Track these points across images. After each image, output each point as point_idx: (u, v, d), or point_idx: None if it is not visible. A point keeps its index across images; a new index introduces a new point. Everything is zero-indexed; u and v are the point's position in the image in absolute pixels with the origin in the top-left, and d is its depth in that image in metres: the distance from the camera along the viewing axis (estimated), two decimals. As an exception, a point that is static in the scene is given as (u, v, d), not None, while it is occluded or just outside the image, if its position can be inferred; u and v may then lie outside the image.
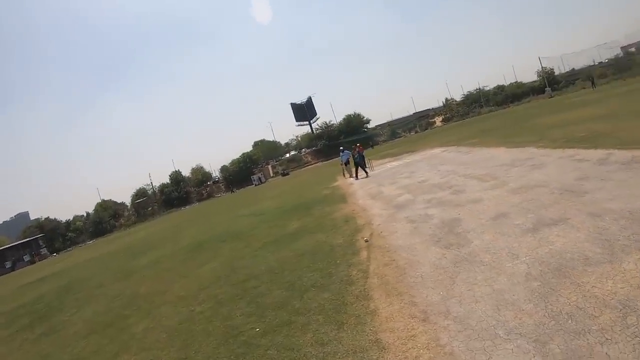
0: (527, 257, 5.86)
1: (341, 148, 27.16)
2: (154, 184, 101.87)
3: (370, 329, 5.20)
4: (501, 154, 16.94)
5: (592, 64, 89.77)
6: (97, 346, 8.23)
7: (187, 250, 16.83)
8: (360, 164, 24.79)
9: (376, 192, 16.77)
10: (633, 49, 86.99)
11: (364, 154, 29.35)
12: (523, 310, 4.54)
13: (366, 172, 24.62)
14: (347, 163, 26.12)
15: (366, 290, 6.48)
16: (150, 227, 53.96)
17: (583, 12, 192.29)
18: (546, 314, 4.33)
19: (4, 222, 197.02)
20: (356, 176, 24.21)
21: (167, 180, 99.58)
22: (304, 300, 6.81)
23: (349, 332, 5.30)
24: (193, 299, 9.14)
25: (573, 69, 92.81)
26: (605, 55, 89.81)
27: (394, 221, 10.63)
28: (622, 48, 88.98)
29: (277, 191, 37.55)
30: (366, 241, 9.37)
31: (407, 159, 28.42)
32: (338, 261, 8.42)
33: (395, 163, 27.93)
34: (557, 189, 9.00)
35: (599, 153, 11.42)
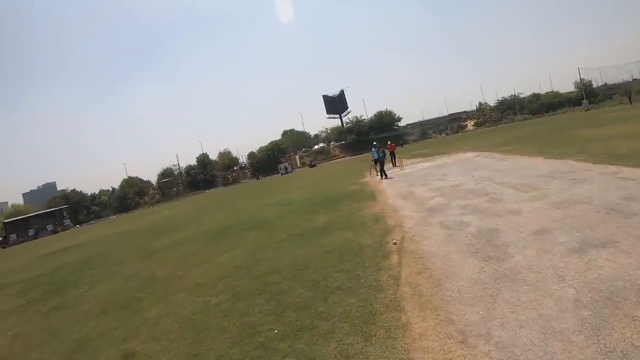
0: (574, 281, 5.40)
1: (374, 143, 26.28)
2: (180, 165, 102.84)
3: (401, 346, 4.79)
4: (539, 164, 16.30)
5: (630, 79, 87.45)
6: (106, 328, 8.03)
7: (210, 234, 16.66)
8: (382, 162, 24.09)
9: (407, 192, 16.30)
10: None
11: (395, 151, 28.89)
12: (573, 342, 4.10)
13: (385, 174, 23.70)
14: (377, 160, 25.25)
15: (397, 299, 6.06)
16: (174, 207, 54.29)
17: (628, 24, 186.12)
18: (599, 350, 3.89)
19: (30, 190, 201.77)
20: (384, 175, 23.54)
21: (194, 162, 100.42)
22: (329, 304, 6.42)
23: (377, 346, 4.89)
24: (211, 288, 8.86)
25: (606, 83, 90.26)
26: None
27: (426, 225, 10.16)
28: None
29: (304, 182, 37.31)
30: (395, 244, 8.95)
31: (439, 160, 27.75)
32: (367, 263, 8.00)
33: (426, 164, 27.30)
34: (602, 207, 8.48)
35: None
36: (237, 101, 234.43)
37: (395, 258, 8.01)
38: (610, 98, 73.59)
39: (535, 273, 5.92)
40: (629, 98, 54.74)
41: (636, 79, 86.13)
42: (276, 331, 5.88)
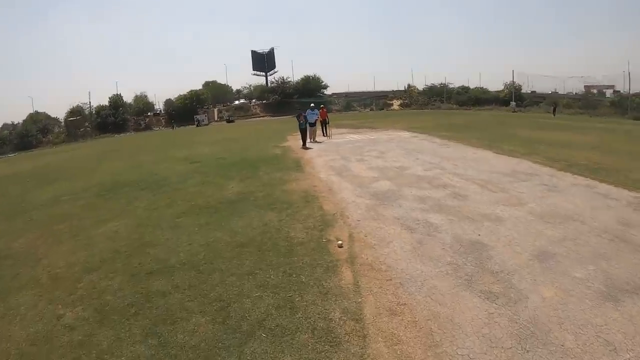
0: (631, 354, 3.61)
1: (312, 105, 23.13)
2: (92, 104, 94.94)
3: None
4: (489, 157, 14.58)
5: (555, 91, 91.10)
6: None
7: (99, 190, 13.41)
8: (304, 130, 21.14)
9: (341, 166, 13.83)
10: (595, 91, 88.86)
11: (327, 119, 25.98)
12: None
13: (304, 142, 20.98)
14: (313, 124, 22.39)
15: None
16: (77, 149, 47.81)
17: (572, 40, 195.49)
18: None
19: None
20: (304, 143, 20.84)
21: (106, 102, 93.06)
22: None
23: None
24: (69, 289, 5.87)
25: (534, 91, 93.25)
26: (569, 87, 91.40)
27: (380, 220, 7.69)
28: (585, 86, 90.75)
29: (220, 137, 33.58)
30: (341, 246, 6.43)
31: (370, 135, 25.44)
32: (303, 278, 5.41)
33: (356, 136, 24.92)
34: (601, 231, 6.79)
35: (625, 194, 9.32)
36: (161, 44, 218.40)
37: (347, 274, 5.47)
38: (538, 105, 75.59)
39: (572, 334, 3.90)
40: (554, 109, 55.93)
41: (557, 92, 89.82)
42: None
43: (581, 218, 7.41)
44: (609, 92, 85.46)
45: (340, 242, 6.56)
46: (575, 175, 11.24)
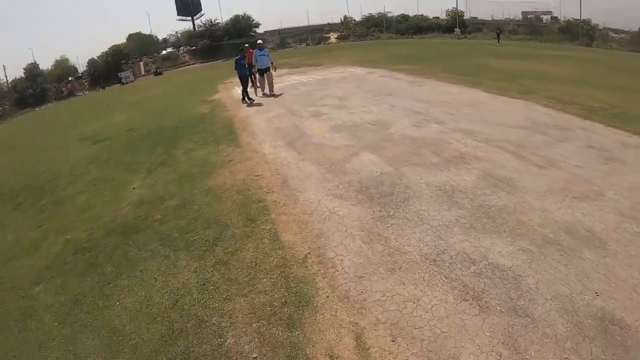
0: None
1: (259, 42, 17.46)
2: (7, 79, 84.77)
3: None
4: (487, 100, 11.40)
5: (493, 17, 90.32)
6: None
7: None
8: (245, 78, 15.46)
9: (292, 128, 10.01)
10: (532, 17, 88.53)
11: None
12: None
13: (247, 96, 15.44)
14: (267, 70, 15.89)
15: None
16: None
17: None
18: None
19: None
20: (244, 98, 15.35)
21: (22, 74, 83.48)
22: None
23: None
24: None
25: (475, 17, 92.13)
26: (507, 13, 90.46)
27: (400, 271, 3.94)
28: (522, 12, 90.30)
29: (142, 96, 28.51)
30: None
31: (316, 74, 21.21)
32: None
33: (299, 77, 20.52)
34: None
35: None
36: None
37: None
38: (481, 31, 73.75)
39: None
40: (498, 36, 53.71)
41: (494, 18, 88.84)
42: None
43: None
44: (545, 18, 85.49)
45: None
46: (611, 128, 8.37)
